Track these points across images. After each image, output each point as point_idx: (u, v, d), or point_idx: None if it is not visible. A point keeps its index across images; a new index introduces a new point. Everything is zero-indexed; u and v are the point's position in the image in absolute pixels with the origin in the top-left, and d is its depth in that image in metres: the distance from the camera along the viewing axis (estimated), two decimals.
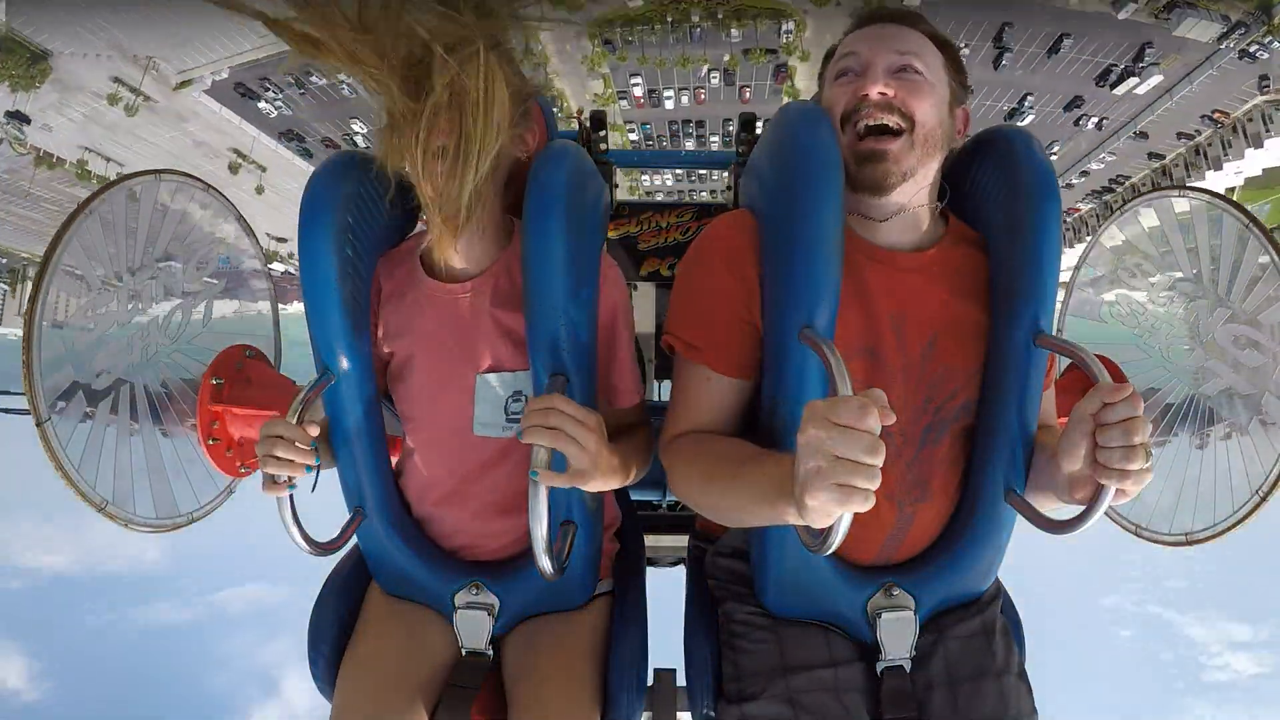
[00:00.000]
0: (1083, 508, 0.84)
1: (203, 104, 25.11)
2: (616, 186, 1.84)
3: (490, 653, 1.10)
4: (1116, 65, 23.04)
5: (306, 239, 0.97)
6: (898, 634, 1.00)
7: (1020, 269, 0.93)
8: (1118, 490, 0.80)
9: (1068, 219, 32.46)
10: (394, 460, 1.14)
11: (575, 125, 1.88)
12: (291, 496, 0.92)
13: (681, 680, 1.20)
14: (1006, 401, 0.95)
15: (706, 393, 0.99)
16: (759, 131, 1.69)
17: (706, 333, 0.97)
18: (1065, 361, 1.57)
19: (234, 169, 28.46)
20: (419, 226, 1.14)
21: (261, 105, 25.75)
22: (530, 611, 1.12)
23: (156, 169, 1.70)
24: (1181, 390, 1.77)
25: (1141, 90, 23.76)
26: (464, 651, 1.10)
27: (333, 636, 1.12)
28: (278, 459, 0.89)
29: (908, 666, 1.01)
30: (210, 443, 1.63)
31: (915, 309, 0.96)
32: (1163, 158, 26.35)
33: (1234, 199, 1.70)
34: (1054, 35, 22.37)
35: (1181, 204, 1.76)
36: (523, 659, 1.08)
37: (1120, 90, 23.80)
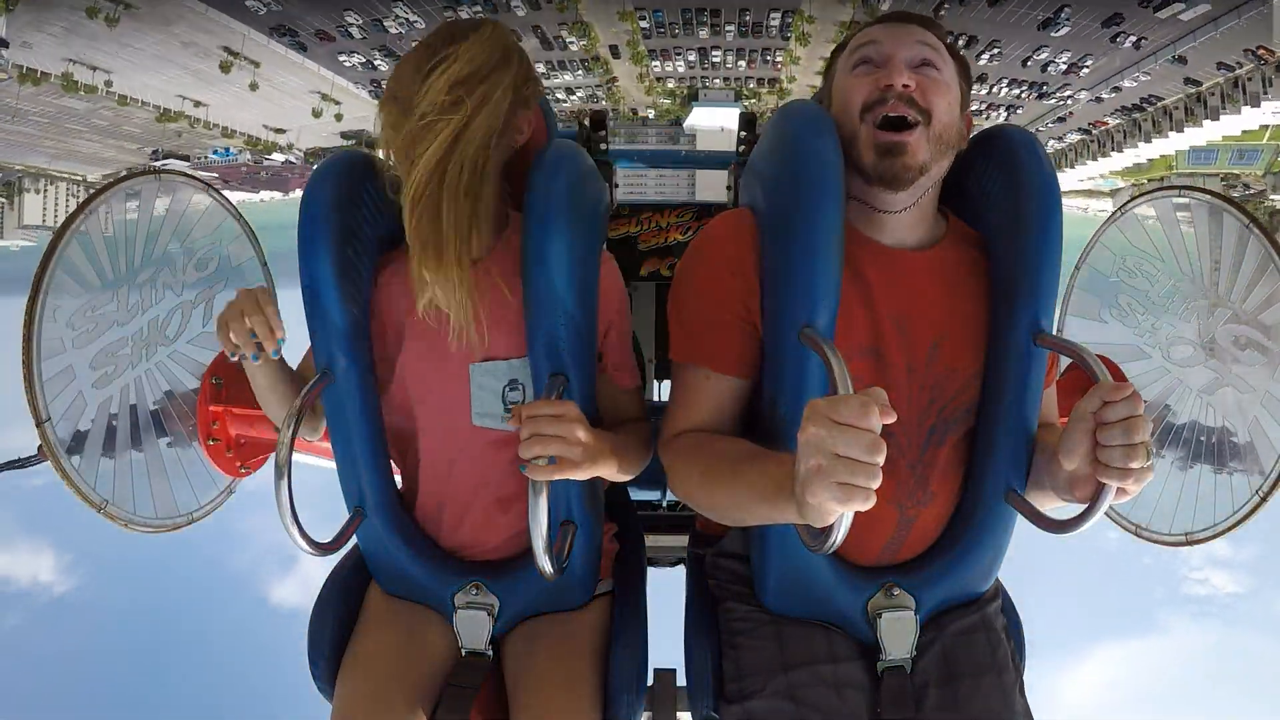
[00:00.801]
0: (1083, 506, 0.84)
1: (187, 5, 24.12)
2: (617, 186, 1.84)
3: (490, 653, 1.10)
4: None
5: (306, 239, 0.97)
6: (898, 634, 1.00)
7: (1021, 269, 0.93)
8: (1119, 489, 0.80)
9: (1092, 131, 31.52)
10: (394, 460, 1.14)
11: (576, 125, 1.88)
12: (291, 497, 0.91)
13: (681, 680, 1.20)
14: (1007, 401, 0.95)
15: (706, 392, 0.99)
16: (759, 131, 1.69)
17: (705, 332, 0.97)
18: (1066, 361, 1.57)
19: (225, 68, 27.65)
20: None
21: (249, 2, 24.79)
22: (530, 612, 1.12)
23: (155, 169, 1.70)
24: (1185, 399, 1.78)
25: (1185, 16, 22.52)
26: (464, 651, 1.10)
27: (333, 636, 1.12)
28: (247, 329, 0.95)
29: (908, 666, 1.01)
30: (210, 443, 1.63)
31: (920, 309, 0.96)
32: (1199, 85, 25.43)
33: (1233, 198, 1.70)
34: None
35: (1182, 203, 1.76)
36: (523, 659, 1.08)
37: (1163, 14, 22.63)
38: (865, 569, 1.02)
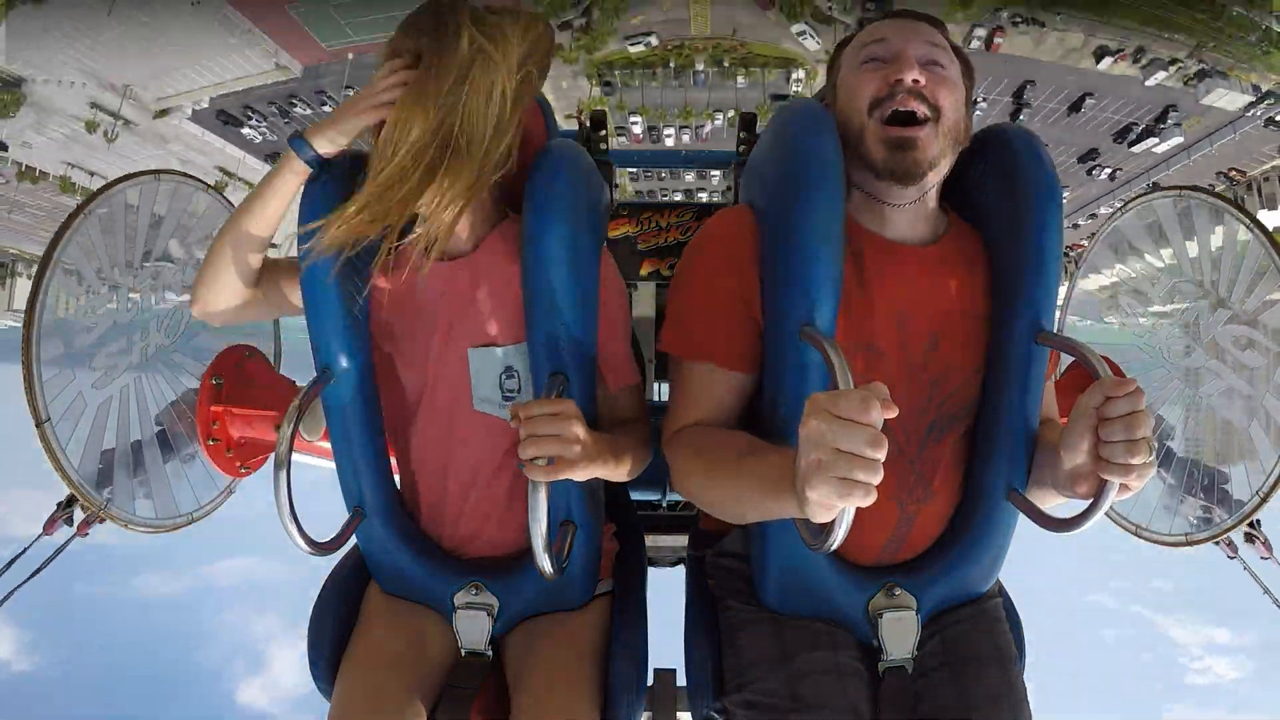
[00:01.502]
0: (1085, 503, 0.84)
1: (185, 128, 25.46)
2: (616, 186, 1.84)
3: (490, 653, 1.10)
4: (1138, 124, 22.88)
5: (305, 239, 0.96)
6: (899, 634, 1.00)
7: (1021, 267, 0.93)
8: (1121, 485, 0.79)
9: (1070, 254, 32.42)
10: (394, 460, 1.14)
11: (575, 125, 1.88)
12: (290, 496, 0.91)
13: (681, 680, 1.20)
14: (1008, 399, 0.95)
15: (708, 387, 0.98)
16: (759, 130, 1.69)
17: (707, 327, 0.97)
18: (1067, 360, 1.57)
19: (220, 187, 28.44)
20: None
21: (245, 131, 26.08)
22: (530, 612, 1.11)
23: (156, 169, 1.70)
24: (1185, 400, 1.78)
25: (1160, 149, 23.61)
26: (463, 652, 1.10)
27: (332, 636, 1.12)
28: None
29: (909, 667, 1.00)
30: (210, 443, 1.63)
31: (919, 305, 0.96)
32: None
33: (1232, 200, 1.70)
34: (1077, 95, 22.07)
35: (1180, 205, 1.76)
36: (523, 659, 1.08)
37: (1138, 149, 23.67)
38: (866, 569, 1.02)
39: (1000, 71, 21.51)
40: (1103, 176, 25.68)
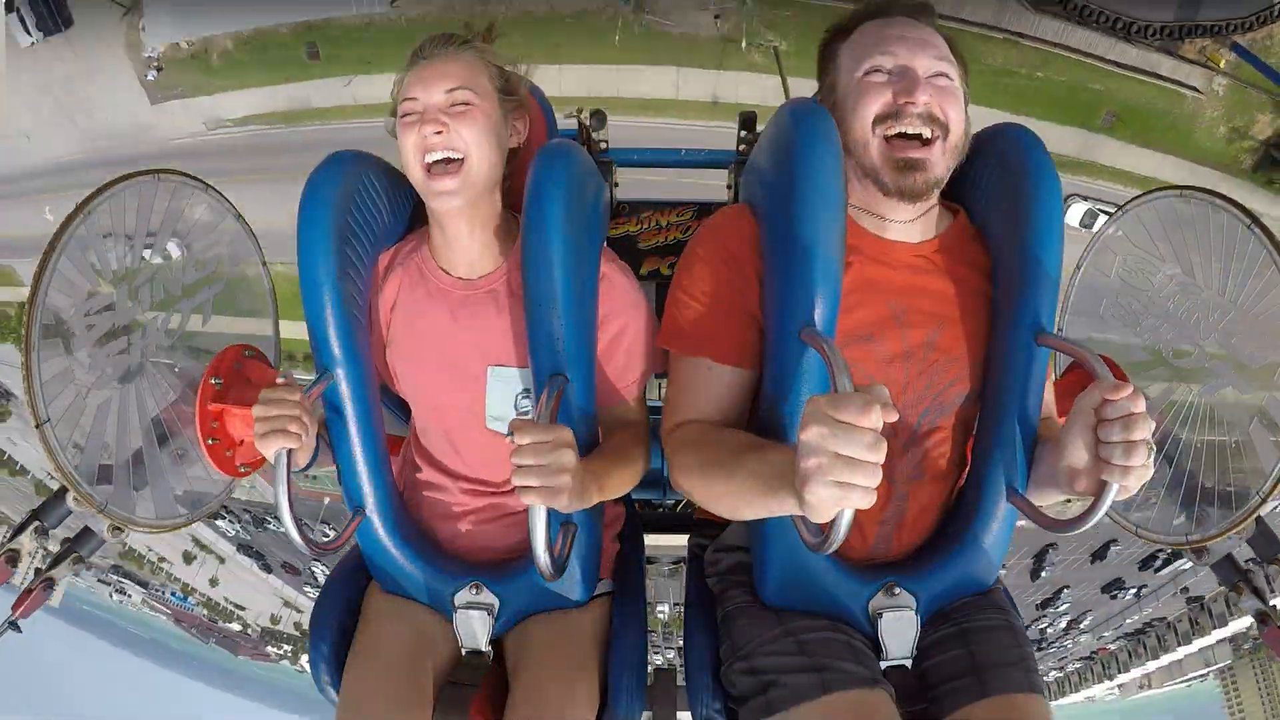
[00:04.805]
0: (1083, 501, 0.84)
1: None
2: (617, 185, 1.83)
3: (490, 652, 1.10)
4: (1163, 552, 22.56)
5: (305, 240, 0.97)
6: (899, 633, 1.00)
7: (1021, 268, 0.93)
8: (1120, 487, 0.80)
9: (1095, 657, 31.58)
10: (394, 461, 1.14)
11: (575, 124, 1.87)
12: (291, 497, 0.91)
13: (681, 680, 1.20)
14: (1008, 400, 0.95)
15: (706, 383, 0.98)
16: (759, 130, 1.68)
17: (704, 322, 0.97)
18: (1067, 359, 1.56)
19: (188, 558, 28.82)
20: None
21: (219, 523, 25.95)
22: (530, 611, 1.12)
23: (156, 169, 1.69)
24: (1186, 400, 1.77)
25: (1185, 568, 23.65)
26: (464, 651, 1.10)
27: (333, 635, 1.12)
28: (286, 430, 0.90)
29: (909, 665, 1.00)
30: (210, 442, 1.62)
31: (918, 300, 0.97)
32: (1201, 599, 25.89)
33: (1233, 199, 1.69)
34: (1101, 543, 22.23)
35: (1181, 204, 1.76)
36: (522, 658, 1.08)
37: (1165, 572, 23.94)
38: (866, 568, 1.02)
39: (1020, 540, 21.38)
40: (1128, 596, 25.82)
